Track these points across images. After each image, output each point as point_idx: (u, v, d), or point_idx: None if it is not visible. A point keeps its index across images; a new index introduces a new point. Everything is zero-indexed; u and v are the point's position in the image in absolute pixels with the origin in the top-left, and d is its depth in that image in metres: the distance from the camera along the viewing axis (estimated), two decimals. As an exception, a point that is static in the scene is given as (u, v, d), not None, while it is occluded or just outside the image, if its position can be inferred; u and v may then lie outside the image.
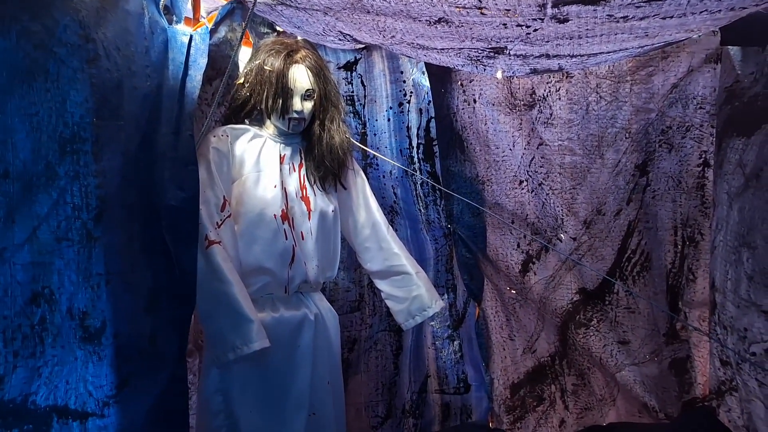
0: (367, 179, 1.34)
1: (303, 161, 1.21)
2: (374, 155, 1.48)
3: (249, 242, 1.12)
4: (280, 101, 1.13)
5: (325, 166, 1.19)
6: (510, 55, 1.23)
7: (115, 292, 0.95)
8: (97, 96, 0.91)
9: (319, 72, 1.16)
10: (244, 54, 1.25)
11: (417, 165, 1.51)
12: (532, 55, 1.24)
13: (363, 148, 1.47)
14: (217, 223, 1.07)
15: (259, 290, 1.13)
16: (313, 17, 1.15)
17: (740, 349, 1.37)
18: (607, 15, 1.00)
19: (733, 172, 1.44)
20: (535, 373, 1.62)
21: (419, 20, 1.06)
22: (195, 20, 1.17)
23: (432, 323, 1.61)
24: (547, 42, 1.15)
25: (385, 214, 1.34)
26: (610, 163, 1.56)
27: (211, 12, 1.17)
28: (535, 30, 1.07)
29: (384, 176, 1.51)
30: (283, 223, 1.14)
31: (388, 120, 1.49)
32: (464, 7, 0.98)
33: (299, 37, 1.27)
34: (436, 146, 1.50)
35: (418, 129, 1.50)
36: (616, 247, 1.58)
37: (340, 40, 1.30)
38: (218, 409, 1.09)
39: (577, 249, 1.57)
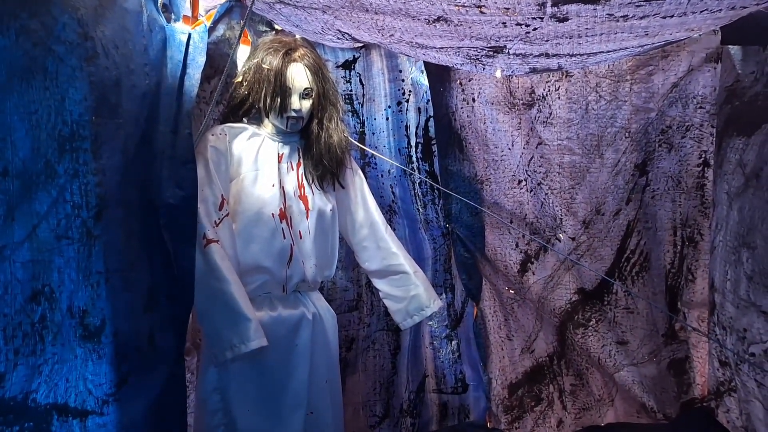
0: (366, 178, 1.34)
1: (301, 160, 1.21)
2: (373, 154, 1.48)
3: (247, 241, 1.12)
4: (279, 100, 1.13)
5: (324, 165, 1.19)
6: (509, 54, 1.23)
7: (114, 291, 0.95)
8: (95, 94, 0.91)
9: (317, 71, 1.16)
10: (243, 52, 1.25)
11: (415, 164, 1.51)
12: (532, 54, 1.23)
13: (361, 147, 1.47)
14: (215, 221, 1.08)
15: (257, 289, 1.14)
16: (311, 16, 1.15)
17: (739, 349, 1.37)
18: (607, 14, 0.99)
19: (733, 172, 1.44)
20: (533, 373, 1.62)
21: (418, 19, 1.06)
22: (193, 18, 1.17)
23: (430, 323, 1.61)
24: (547, 41, 1.14)
25: (383, 214, 1.34)
26: (610, 162, 1.56)
27: (210, 10, 1.17)
28: (535, 29, 1.06)
29: (382, 175, 1.51)
30: (281, 222, 1.14)
31: (387, 119, 1.49)
32: (463, 6, 0.98)
33: (298, 36, 1.27)
34: (435, 145, 1.50)
35: (417, 128, 1.50)
36: (615, 247, 1.58)
37: (338, 38, 1.30)
38: (216, 408, 1.09)
39: (576, 249, 1.57)
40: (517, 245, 1.57)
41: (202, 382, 1.11)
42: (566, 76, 1.52)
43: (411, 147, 1.51)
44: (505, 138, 1.54)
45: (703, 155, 1.56)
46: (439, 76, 1.49)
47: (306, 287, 1.20)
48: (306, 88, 1.15)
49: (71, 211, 0.89)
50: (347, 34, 1.25)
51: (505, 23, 1.04)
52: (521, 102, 1.53)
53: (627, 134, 1.55)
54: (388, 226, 1.32)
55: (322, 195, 1.21)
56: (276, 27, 1.32)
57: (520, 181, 1.56)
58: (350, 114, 1.48)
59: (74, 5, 0.87)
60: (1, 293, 0.81)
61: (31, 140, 0.83)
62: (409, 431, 1.60)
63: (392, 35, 1.18)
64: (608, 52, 1.26)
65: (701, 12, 1.00)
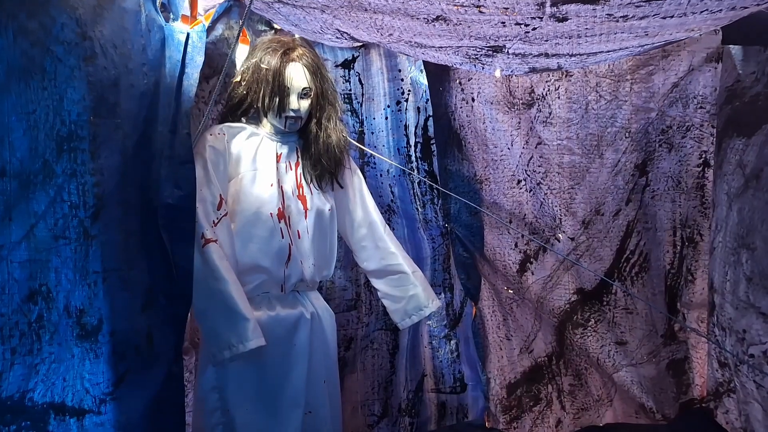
0: (365, 178, 1.34)
1: (300, 160, 1.21)
2: (371, 154, 1.47)
3: (245, 241, 1.12)
4: (277, 99, 1.13)
5: (322, 165, 1.19)
6: (508, 54, 1.22)
7: (111, 290, 0.95)
8: (94, 94, 0.91)
9: (316, 70, 1.16)
10: (241, 52, 1.25)
11: (414, 164, 1.50)
12: (531, 54, 1.23)
13: (360, 147, 1.47)
14: (213, 221, 1.08)
15: (255, 288, 1.14)
16: (310, 15, 1.15)
17: (738, 350, 1.37)
18: (607, 14, 0.99)
19: (733, 173, 1.43)
20: (531, 373, 1.62)
21: (417, 18, 1.06)
22: (192, 18, 1.16)
23: (429, 322, 1.61)
24: (546, 41, 1.14)
25: (382, 213, 1.34)
26: (610, 162, 1.55)
27: (208, 10, 1.17)
28: (534, 29, 1.06)
29: (381, 175, 1.51)
30: (280, 222, 1.14)
31: (386, 118, 1.49)
32: (462, 5, 0.97)
33: (296, 35, 1.27)
34: (434, 145, 1.50)
35: (416, 128, 1.50)
36: (614, 247, 1.58)
37: (337, 38, 1.30)
38: (214, 407, 1.10)
39: (576, 249, 1.56)
40: (516, 245, 1.57)
41: (201, 381, 1.11)
42: (566, 76, 1.52)
43: (410, 146, 1.50)
44: (504, 138, 1.53)
45: (703, 155, 1.55)
46: (439, 75, 1.49)
47: (304, 287, 1.20)
48: (304, 88, 1.15)
49: (69, 211, 0.89)
50: (346, 33, 1.25)
51: (504, 23, 1.04)
52: (521, 101, 1.53)
53: (627, 134, 1.54)
54: (387, 226, 1.32)
55: (321, 195, 1.21)
56: (275, 26, 1.32)
57: (519, 181, 1.56)
58: (349, 113, 1.48)
59: (72, 5, 0.87)
60: (-1, 293, 0.81)
61: (29, 140, 0.83)
62: (407, 430, 1.60)
63: (391, 34, 1.18)
64: (608, 52, 1.26)
65: (701, 12, 1.00)
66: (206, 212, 1.07)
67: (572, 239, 1.56)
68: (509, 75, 1.48)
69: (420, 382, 1.62)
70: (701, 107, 1.53)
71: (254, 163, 1.15)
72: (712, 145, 1.54)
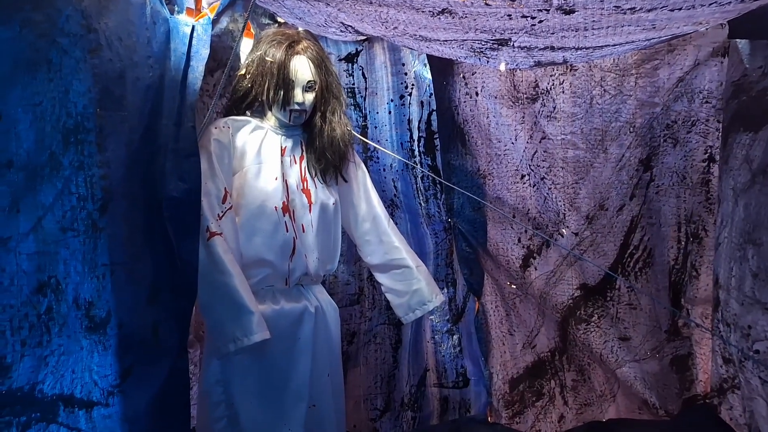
0: (368, 172, 1.34)
1: (304, 153, 1.21)
2: (375, 148, 1.47)
3: (250, 234, 1.12)
4: (282, 93, 1.13)
5: (326, 159, 1.19)
6: (514, 47, 1.21)
7: (119, 283, 0.96)
8: (99, 86, 0.91)
9: (320, 63, 1.15)
10: (246, 45, 1.25)
11: (418, 158, 1.50)
12: (537, 48, 1.22)
13: (364, 141, 1.46)
14: (218, 215, 1.08)
15: (259, 282, 1.14)
16: (314, 8, 1.14)
17: (743, 346, 1.36)
18: (614, 6, 0.98)
19: (739, 168, 1.42)
20: (534, 368, 1.62)
21: (422, 11, 1.05)
22: (196, 11, 1.16)
23: (431, 317, 1.61)
24: (552, 34, 1.13)
25: (385, 208, 1.34)
26: (614, 157, 1.54)
27: (213, 2, 1.17)
28: (540, 21, 1.05)
29: (384, 169, 1.51)
30: (284, 216, 1.15)
31: (389, 113, 1.49)
32: (467, -2, 0.97)
33: (301, 29, 1.26)
34: (437, 139, 1.49)
35: (419, 122, 1.49)
36: (618, 242, 1.57)
37: (341, 31, 1.29)
38: (219, 400, 1.10)
39: (579, 244, 1.56)
40: (519, 240, 1.57)
41: (205, 375, 1.12)
42: (571, 70, 1.51)
43: (413, 141, 1.50)
44: (508, 132, 1.53)
45: (709, 151, 1.54)
46: (442, 69, 1.48)
47: (308, 281, 1.20)
48: (309, 81, 1.15)
49: (77, 203, 0.89)
50: (351, 26, 1.24)
51: (510, 15, 1.03)
52: (525, 96, 1.52)
53: (632, 129, 1.53)
54: (391, 220, 1.32)
55: (325, 188, 1.21)
56: (278, 20, 1.32)
57: (523, 176, 1.55)
58: (353, 107, 1.47)
59: (77, -3, 0.87)
60: (7, 285, 0.82)
61: (36, 132, 0.84)
62: (409, 425, 1.61)
63: (396, 28, 1.18)
64: (614, 45, 1.25)
65: (710, 5, 0.99)
66: (211, 205, 1.07)
67: (576, 234, 1.56)
68: (513, 69, 1.47)
69: (422, 376, 1.62)
70: (707, 102, 1.52)
71: (259, 156, 1.15)
72: (717, 140, 1.53)
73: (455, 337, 1.62)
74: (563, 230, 1.55)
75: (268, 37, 1.16)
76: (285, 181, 1.16)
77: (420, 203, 1.53)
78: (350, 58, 1.46)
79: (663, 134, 1.54)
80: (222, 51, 1.18)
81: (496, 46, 1.21)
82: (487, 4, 0.98)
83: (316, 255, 1.19)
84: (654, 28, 1.12)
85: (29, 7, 0.82)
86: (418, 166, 1.49)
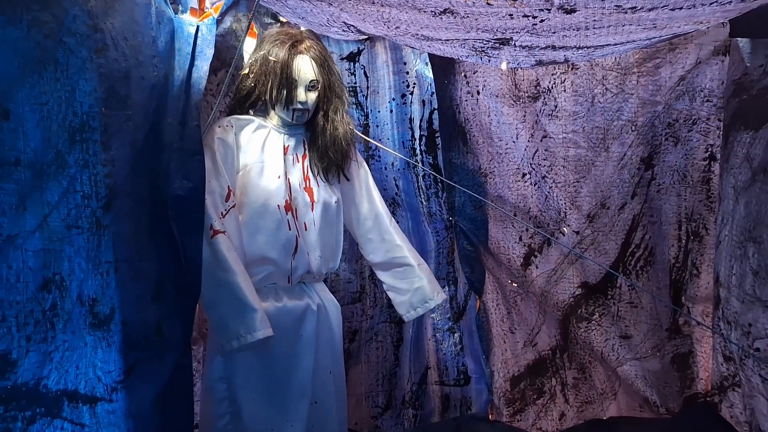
0: (370, 171, 1.34)
1: (307, 152, 1.22)
2: (377, 147, 1.48)
3: (253, 232, 1.13)
4: (284, 92, 1.14)
5: (329, 158, 1.20)
6: (515, 46, 1.22)
7: (123, 280, 0.97)
8: (105, 86, 0.92)
9: (323, 63, 1.16)
10: (249, 45, 1.26)
11: (419, 157, 1.51)
12: (538, 47, 1.23)
13: (366, 140, 1.47)
14: (221, 213, 1.09)
15: (262, 280, 1.15)
16: (317, 8, 1.15)
17: (744, 344, 1.37)
18: (615, 6, 0.99)
19: (739, 166, 1.43)
20: (535, 366, 1.62)
21: (424, 11, 1.06)
22: (200, 10, 1.17)
23: (433, 315, 1.61)
24: (554, 33, 1.14)
25: (387, 206, 1.34)
26: (615, 156, 1.55)
27: (216, 2, 1.18)
28: (542, 21, 1.06)
29: (386, 168, 1.51)
30: (287, 214, 1.15)
31: (391, 111, 1.50)
32: (469, -2, 0.97)
33: (303, 28, 1.27)
34: (439, 138, 1.50)
35: (421, 121, 1.50)
36: (619, 241, 1.58)
37: (344, 31, 1.30)
38: (222, 397, 1.11)
39: (580, 243, 1.56)
40: (520, 239, 1.57)
41: (209, 371, 1.13)
42: (572, 69, 1.51)
43: (415, 140, 1.51)
44: (509, 131, 1.53)
45: (710, 149, 1.55)
46: (444, 68, 1.49)
47: (311, 278, 1.21)
48: (312, 80, 1.16)
49: (81, 201, 0.90)
50: (353, 26, 1.25)
51: (512, 15, 1.03)
52: (526, 95, 1.52)
53: (633, 127, 1.54)
54: (393, 219, 1.33)
55: (328, 187, 1.22)
56: (281, 19, 1.32)
57: (524, 175, 1.56)
58: (354, 106, 1.48)
59: (84, -3, 0.88)
60: (13, 281, 0.82)
61: (42, 131, 0.85)
62: (411, 422, 1.61)
63: (398, 27, 1.18)
64: (615, 44, 1.25)
65: (711, 4, 0.99)
66: (215, 204, 1.08)
67: (577, 233, 1.56)
68: (515, 68, 1.48)
69: (424, 374, 1.63)
70: (708, 100, 1.52)
71: (262, 155, 1.16)
72: (718, 139, 1.53)
73: (456, 335, 1.63)
74: (564, 229, 1.56)
75: (271, 36, 1.17)
76: (288, 180, 1.17)
77: (421, 202, 1.53)
78: (352, 57, 1.46)
79: (664, 133, 1.55)
80: (226, 50, 1.19)
81: (497, 45, 1.22)
82: (488, 3, 0.99)
83: (319, 253, 1.19)
84: (655, 27, 1.13)
85: (37, 7, 0.82)
86: (420, 164, 1.50)
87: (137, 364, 0.99)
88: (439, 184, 1.51)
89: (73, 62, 0.87)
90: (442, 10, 1.04)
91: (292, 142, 1.20)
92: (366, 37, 1.42)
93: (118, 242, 0.96)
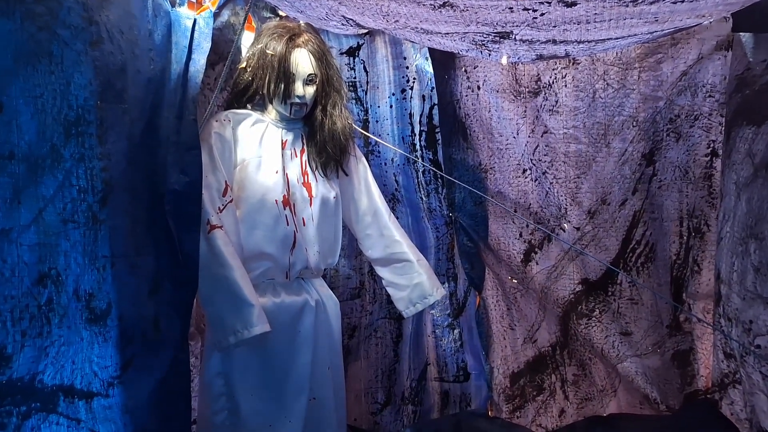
0: (369, 166, 1.33)
1: (305, 147, 1.21)
2: (376, 142, 1.47)
3: (250, 227, 1.13)
4: (282, 86, 1.13)
5: (327, 152, 1.19)
6: (516, 40, 1.21)
7: (119, 275, 0.96)
8: (100, 79, 0.91)
9: (321, 56, 1.15)
10: (247, 39, 1.25)
11: (419, 152, 1.50)
12: (539, 41, 1.22)
13: (365, 135, 1.46)
14: (219, 208, 1.08)
15: (260, 275, 1.14)
16: (315, 1, 1.14)
17: (745, 341, 1.36)
18: (616, -1, 0.98)
19: (741, 162, 1.41)
20: (535, 362, 1.62)
21: (423, 5, 1.05)
22: (197, 4, 1.16)
23: (432, 311, 1.61)
24: (554, 27, 1.13)
25: (386, 202, 1.34)
26: (616, 152, 1.54)
27: (214, -5, 1.17)
28: (542, 14, 1.05)
29: (386, 164, 1.51)
30: (285, 209, 1.15)
31: (391, 107, 1.49)
32: (469, -10, 0.96)
33: (302, 22, 1.26)
34: (439, 133, 1.49)
35: (421, 116, 1.49)
36: (620, 237, 1.57)
37: (343, 24, 1.29)
38: (219, 392, 1.11)
39: (581, 239, 1.55)
40: (520, 235, 1.56)
41: (206, 367, 1.12)
42: (573, 64, 1.50)
43: (415, 135, 1.50)
44: (510, 126, 1.52)
45: (712, 145, 1.54)
46: (444, 63, 1.47)
47: (309, 274, 1.20)
48: (310, 74, 1.15)
49: (77, 196, 0.90)
50: (352, 20, 1.24)
51: (512, 8, 1.02)
52: (527, 90, 1.51)
53: (634, 123, 1.53)
54: (392, 214, 1.32)
55: (326, 182, 1.21)
56: (280, 13, 1.31)
57: (524, 170, 1.55)
58: (354, 101, 1.47)
59: (78, -12, 0.87)
60: (8, 275, 0.82)
61: (37, 124, 0.84)
62: (410, 419, 1.61)
63: (397, 21, 1.17)
64: (617, 39, 1.24)
65: (713, -4, 0.98)
66: (212, 199, 1.07)
67: (578, 229, 1.56)
68: (515, 63, 1.47)
69: (423, 370, 1.63)
70: (710, 96, 1.51)
71: (259, 149, 1.15)
72: (720, 135, 1.52)
73: (456, 331, 1.62)
74: (565, 225, 1.55)
75: (269, 30, 1.16)
76: (286, 175, 1.16)
77: (421, 197, 1.53)
78: (352, 52, 1.45)
79: (666, 128, 1.54)
80: (223, 44, 1.18)
81: (497, 39, 1.21)
82: (488, -5, 0.98)
83: (317, 248, 1.19)
84: (657, 21, 1.11)
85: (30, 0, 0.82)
86: (420, 160, 1.49)
87: (134, 359, 0.99)
88: (439, 179, 1.50)
89: (68, 55, 0.87)
90: (441, 3, 1.03)
91: (290, 137, 1.20)
92: (366, 31, 1.41)
93: (115, 237, 0.95)
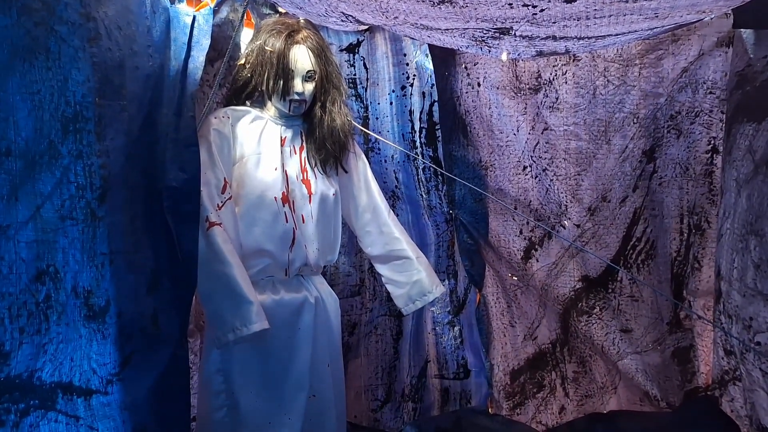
0: (369, 163, 1.33)
1: (304, 144, 1.20)
2: (376, 139, 1.47)
3: (249, 224, 1.12)
4: (281, 82, 1.13)
5: (326, 149, 1.19)
6: (516, 37, 1.20)
7: (118, 272, 0.96)
8: (98, 75, 0.91)
9: (320, 53, 1.15)
10: (246, 35, 1.24)
11: (419, 149, 1.49)
12: (539, 37, 1.21)
13: (365, 131, 1.46)
14: (218, 204, 1.08)
15: (259, 272, 1.14)
16: (315, -3, 1.13)
17: (745, 338, 1.36)
18: (616, -6, 0.97)
19: (742, 159, 1.41)
20: (535, 359, 1.61)
21: (422, 1, 1.04)
22: (197, 0, 1.16)
23: (432, 308, 1.61)
24: (554, 23, 1.12)
25: (386, 199, 1.33)
26: (617, 148, 1.53)
27: (212, -8, 1.16)
28: (542, 10, 1.04)
29: (386, 161, 1.50)
30: (284, 206, 1.14)
31: (391, 104, 1.48)
32: (468, -15, 0.96)
33: (301, 18, 1.25)
34: (439, 131, 1.48)
35: (421, 113, 1.48)
36: (620, 234, 1.56)
37: (342, 21, 1.29)
38: (219, 390, 1.11)
39: (581, 236, 1.55)
40: (521, 232, 1.56)
41: (205, 364, 1.12)
42: (573, 60, 1.49)
43: (415, 132, 1.49)
44: (510, 123, 1.52)
45: (712, 142, 1.53)
46: (444, 60, 1.47)
47: (308, 271, 1.20)
48: (309, 71, 1.14)
49: (75, 192, 0.89)
50: (351, 16, 1.24)
51: (511, 4, 1.02)
52: (527, 87, 1.51)
53: (635, 120, 1.52)
54: (391, 211, 1.32)
55: (325, 179, 1.21)
56: (279, 9, 1.31)
57: (525, 167, 1.54)
58: (354, 98, 1.47)
59: (75, -16, 0.87)
60: (6, 272, 0.82)
61: (34, 120, 0.84)
62: (410, 415, 1.61)
63: (396, 17, 1.17)
64: (617, 35, 1.23)
65: (713, -9, 0.98)
66: (210, 195, 1.07)
67: (578, 226, 1.55)
68: (516, 59, 1.46)
69: (423, 367, 1.63)
70: (711, 92, 1.50)
71: (258, 146, 1.15)
72: (721, 131, 1.52)
73: (456, 328, 1.62)
74: (565, 222, 1.54)
75: (268, 26, 1.16)
76: (285, 172, 1.16)
77: (421, 195, 1.52)
78: (351, 49, 1.45)
79: (666, 125, 1.53)
80: (222, 41, 1.18)
81: (497, 35, 1.20)
82: (488, -9, 0.97)
83: (316, 246, 1.19)
84: (657, 17, 1.11)
85: (27, -6, 0.81)
86: (420, 157, 1.49)
87: (133, 356, 0.99)
88: (439, 176, 1.49)
89: (66, 51, 0.86)
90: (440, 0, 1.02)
91: (289, 134, 1.19)
92: (365, 28, 1.40)
93: (113, 234, 0.95)
